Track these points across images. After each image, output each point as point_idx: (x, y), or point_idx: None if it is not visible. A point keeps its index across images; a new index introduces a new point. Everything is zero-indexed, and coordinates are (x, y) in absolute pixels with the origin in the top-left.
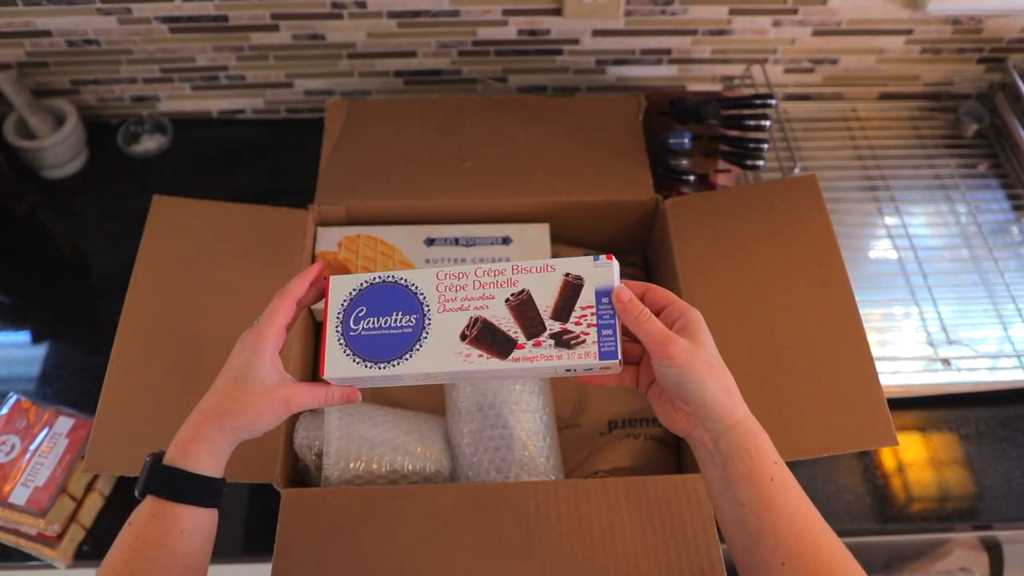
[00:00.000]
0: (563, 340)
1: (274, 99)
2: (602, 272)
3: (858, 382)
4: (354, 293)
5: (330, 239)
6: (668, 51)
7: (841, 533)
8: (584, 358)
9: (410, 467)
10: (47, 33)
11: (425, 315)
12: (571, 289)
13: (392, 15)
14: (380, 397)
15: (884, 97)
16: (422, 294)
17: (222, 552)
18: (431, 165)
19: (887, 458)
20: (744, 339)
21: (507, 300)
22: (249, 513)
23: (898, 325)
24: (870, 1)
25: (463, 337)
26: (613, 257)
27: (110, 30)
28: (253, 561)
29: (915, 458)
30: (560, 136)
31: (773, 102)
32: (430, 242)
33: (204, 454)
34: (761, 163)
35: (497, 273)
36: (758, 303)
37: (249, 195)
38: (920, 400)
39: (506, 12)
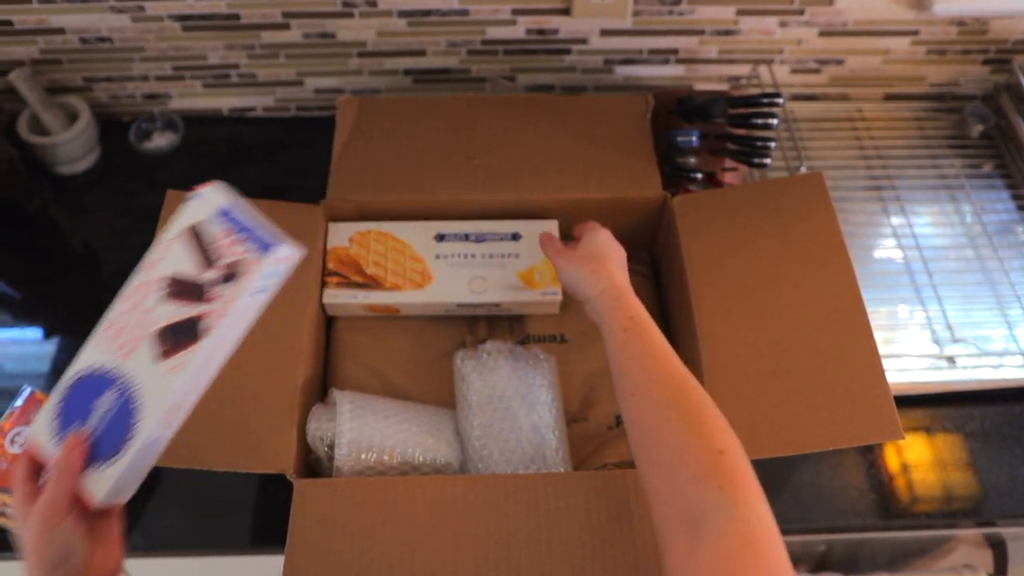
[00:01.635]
0: (230, 276)
1: (284, 97)
2: (206, 201)
3: (864, 377)
4: (53, 423)
5: (341, 235)
6: (675, 51)
7: (845, 529)
8: (257, 270)
9: (421, 459)
10: (60, 31)
11: (117, 377)
12: (196, 236)
13: (402, 14)
14: (390, 390)
15: (889, 98)
16: (99, 364)
17: (231, 544)
18: (441, 162)
19: (892, 455)
20: (751, 335)
21: (166, 295)
22: (257, 505)
23: (903, 324)
24: (876, 2)
25: (164, 356)
26: (210, 184)
27: (123, 28)
28: (262, 552)
29: (920, 455)
30: (569, 134)
31: (780, 101)
32: (440, 238)
33: None
34: (768, 161)
35: (138, 291)
36: (765, 299)
37: (259, 192)
38: (925, 398)
39: (515, 11)
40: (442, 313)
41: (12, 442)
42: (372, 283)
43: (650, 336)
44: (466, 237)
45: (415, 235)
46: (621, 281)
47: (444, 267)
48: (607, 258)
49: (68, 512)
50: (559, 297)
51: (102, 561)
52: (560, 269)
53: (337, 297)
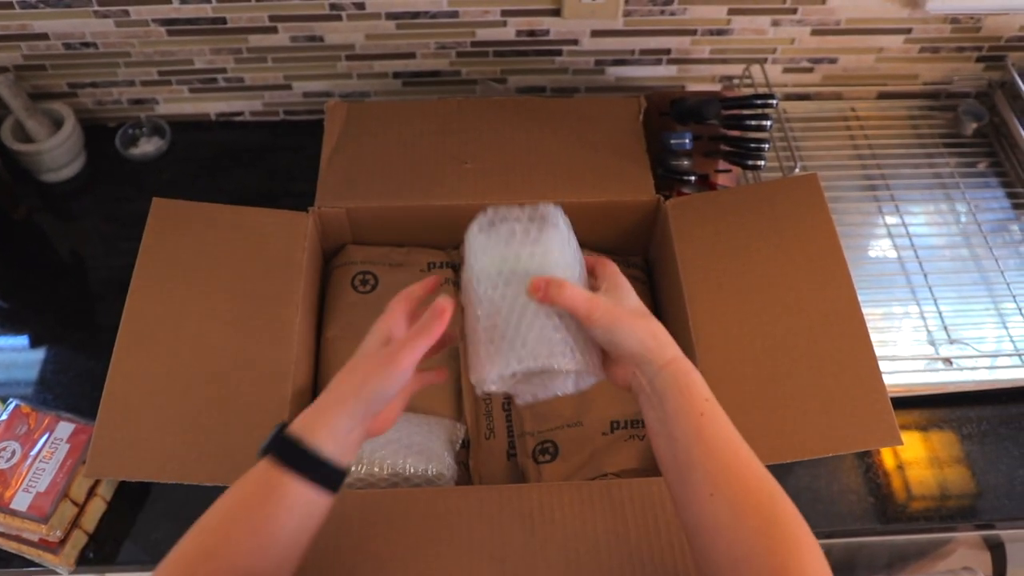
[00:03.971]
0: None
1: (272, 101)
2: None
3: (862, 381)
4: None
5: None
6: (667, 51)
7: (844, 533)
8: None
9: (412, 470)
10: (44, 36)
11: None
12: None
13: (390, 16)
14: None
15: (883, 96)
16: None
17: None
18: (432, 167)
19: (889, 458)
20: (747, 339)
21: None
22: None
23: (899, 324)
24: (869, 0)
25: None
26: None
27: (107, 33)
28: None
29: (917, 458)
30: (561, 137)
31: (774, 102)
32: None
33: (329, 431)
34: (762, 163)
35: None
36: (760, 303)
37: (248, 198)
38: (922, 399)
39: (505, 13)
40: None
41: None
42: None
43: (727, 425)
44: None
45: None
46: (680, 351)
47: None
48: (653, 317)
49: (411, 366)
50: None
51: (382, 420)
52: (603, 326)
53: None
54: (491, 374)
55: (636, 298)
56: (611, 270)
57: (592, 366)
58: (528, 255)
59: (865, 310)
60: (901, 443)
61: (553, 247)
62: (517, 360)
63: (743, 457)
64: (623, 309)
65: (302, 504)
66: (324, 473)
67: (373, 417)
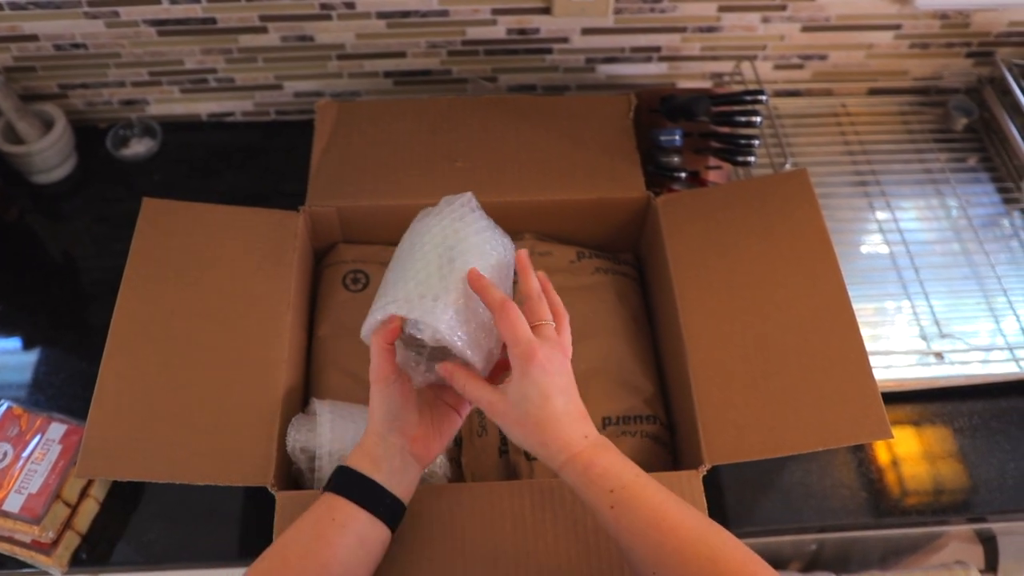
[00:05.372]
0: None
1: (263, 101)
2: None
3: (852, 376)
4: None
5: None
6: (658, 49)
7: (837, 528)
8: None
9: None
10: (34, 37)
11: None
12: None
13: (381, 15)
14: None
15: (873, 92)
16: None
17: (218, 555)
18: (422, 165)
19: (882, 452)
20: (737, 335)
21: None
22: (244, 516)
23: (890, 319)
24: None
25: None
26: None
27: (97, 34)
28: (249, 564)
29: (909, 452)
30: (551, 135)
31: (764, 98)
32: None
33: (370, 458)
34: (752, 159)
35: None
36: (751, 299)
37: (239, 198)
38: (913, 394)
39: (495, 11)
40: None
41: None
42: None
43: (643, 502)
44: None
45: None
46: (579, 444)
47: None
48: (549, 416)
49: (392, 378)
50: None
51: (423, 443)
52: (499, 425)
53: None
54: (368, 320)
55: (535, 391)
56: (513, 347)
57: (466, 344)
58: (451, 232)
59: (857, 305)
60: (891, 436)
61: (470, 231)
62: (382, 306)
63: (669, 528)
64: (513, 416)
65: (353, 526)
66: (369, 494)
67: (410, 440)
